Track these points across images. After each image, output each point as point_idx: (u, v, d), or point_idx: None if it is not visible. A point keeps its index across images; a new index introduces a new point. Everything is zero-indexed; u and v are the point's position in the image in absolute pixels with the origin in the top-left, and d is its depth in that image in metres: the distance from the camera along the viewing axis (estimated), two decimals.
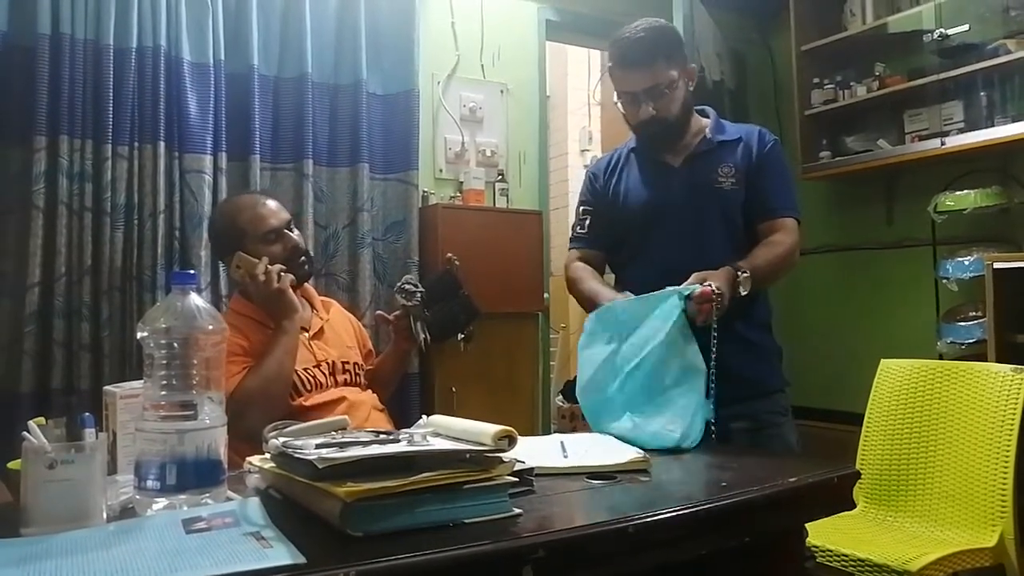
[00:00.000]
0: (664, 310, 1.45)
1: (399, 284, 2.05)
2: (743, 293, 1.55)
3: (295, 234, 1.93)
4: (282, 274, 1.81)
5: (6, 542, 0.81)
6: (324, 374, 1.84)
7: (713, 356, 1.43)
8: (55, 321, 2.11)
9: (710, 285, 1.46)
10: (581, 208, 1.90)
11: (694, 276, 1.49)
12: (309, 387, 1.80)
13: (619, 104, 1.76)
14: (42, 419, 0.92)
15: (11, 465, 1.00)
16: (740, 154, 1.74)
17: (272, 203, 1.93)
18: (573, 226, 1.91)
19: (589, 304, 1.71)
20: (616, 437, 1.36)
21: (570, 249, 1.89)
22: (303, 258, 1.92)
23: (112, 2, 2.20)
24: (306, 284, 2.03)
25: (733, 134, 1.78)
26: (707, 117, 1.82)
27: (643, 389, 1.41)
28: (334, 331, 2.00)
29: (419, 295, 2.00)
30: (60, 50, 2.13)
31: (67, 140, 2.14)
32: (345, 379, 1.89)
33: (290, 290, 1.80)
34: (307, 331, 1.90)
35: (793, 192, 1.78)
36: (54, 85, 2.13)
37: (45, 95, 2.12)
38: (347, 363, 1.91)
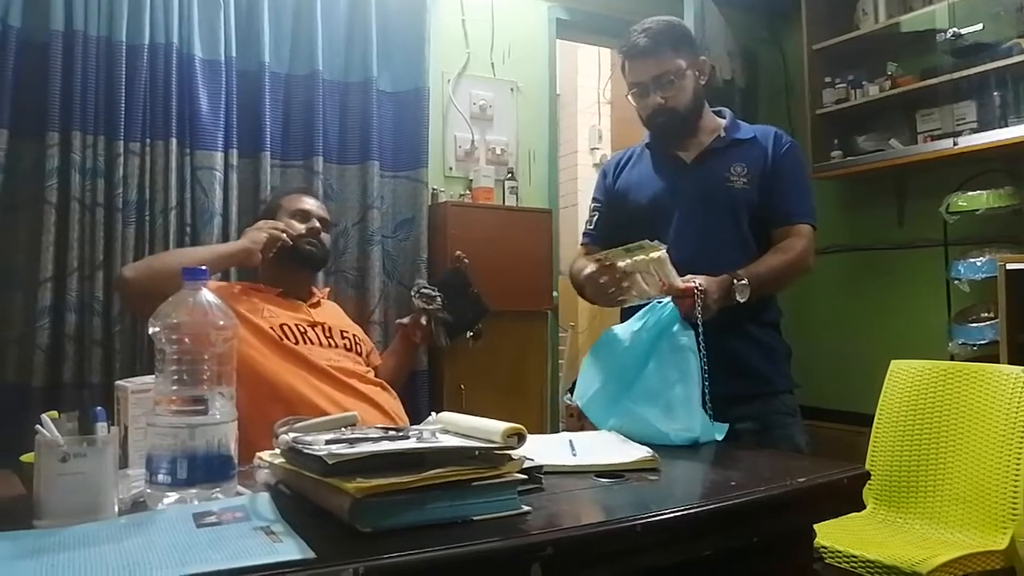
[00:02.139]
0: (656, 315, 1.46)
1: (417, 290, 2.11)
2: (740, 300, 1.55)
3: (324, 231, 2.05)
4: (276, 230, 1.91)
5: (20, 534, 0.81)
6: (318, 335, 1.89)
7: (703, 355, 1.43)
8: (67, 316, 2.12)
9: (692, 282, 1.48)
10: (592, 205, 1.92)
11: (686, 278, 1.50)
12: (294, 339, 1.83)
13: (631, 98, 1.78)
14: (55, 413, 0.93)
15: (24, 458, 1.01)
16: (754, 154, 1.74)
17: (316, 200, 2.14)
18: (585, 223, 1.93)
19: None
20: (626, 435, 1.35)
21: (580, 245, 1.91)
22: (316, 240, 1.98)
23: None
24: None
25: (748, 133, 1.79)
26: (723, 118, 1.82)
27: (651, 389, 1.41)
28: (334, 308, 2.10)
29: (439, 299, 2.10)
30: (73, 47, 2.14)
31: (79, 136, 2.15)
32: (345, 345, 1.93)
33: (263, 233, 1.89)
34: (304, 301, 2.00)
35: (809, 197, 1.77)
36: (67, 81, 2.14)
37: (58, 91, 2.13)
38: (345, 332, 1.96)
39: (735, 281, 1.56)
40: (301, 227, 2.00)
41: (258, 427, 1.13)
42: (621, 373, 1.44)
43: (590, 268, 1.60)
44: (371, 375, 1.93)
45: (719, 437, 1.40)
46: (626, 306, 1.64)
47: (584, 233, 1.91)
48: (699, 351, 1.43)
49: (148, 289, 1.63)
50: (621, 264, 1.54)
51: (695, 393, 1.39)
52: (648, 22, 1.73)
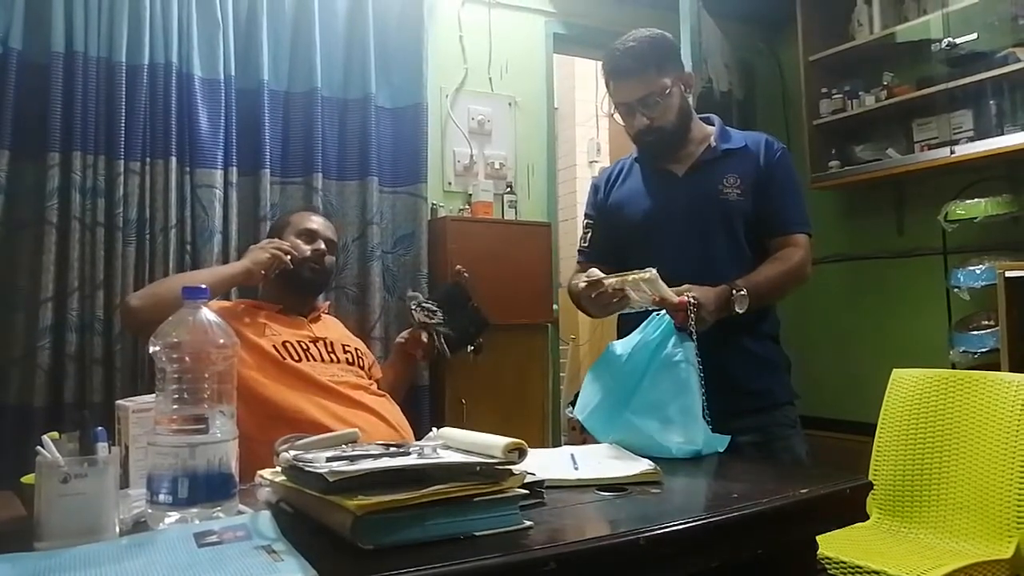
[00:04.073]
0: (654, 328, 1.47)
1: (416, 304, 2.11)
2: (739, 311, 1.55)
3: (328, 253, 2.04)
4: (280, 251, 1.92)
5: (20, 556, 0.81)
6: (320, 350, 1.89)
7: (700, 367, 1.43)
8: (68, 335, 2.12)
9: (685, 295, 1.48)
10: (585, 221, 1.90)
11: (683, 288, 1.50)
12: (297, 356, 1.83)
13: (616, 116, 1.77)
14: (55, 433, 0.93)
15: (25, 479, 1.01)
16: (746, 164, 1.73)
17: (324, 220, 2.14)
18: (579, 240, 1.92)
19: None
20: (627, 448, 1.35)
21: (576, 263, 1.90)
22: (316, 265, 1.98)
23: (125, 20, 2.22)
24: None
25: (739, 142, 1.77)
26: (712, 125, 1.81)
27: (650, 402, 1.40)
28: (334, 322, 2.11)
29: (439, 313, 2.11)
30: (73, 67, 2.16)
31: (80, 156, 2.16)
32: (347, 359, 1.93)
33: (266, 254, 1.91)
34: (305, 317, 1.99)
35: (803, 205, 1.77)
36: (67, 102, 2.15)
37: (59, 112, 2.14)
38: (347, 346, 1.97)
39: (733, 292, 1.55)
40: (306, 249, 2.00)
41: (264, 447, 1.13)
42: (620, 387, 1.44)
43: (582, 285, 1.60)
44: (374, 387, 1.94)
45: (721, 449, 1.40)
46: (623, 312, 1.63)
47: (579, 251, 1.89)
48: (696, 363, 1.43)
49: (154, 317, 1.62)
50: (608, 282, 1.53)
51: (694, 405, 1.39)
52: (631, 39, 1.70)
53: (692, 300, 1.47)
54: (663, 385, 1.40)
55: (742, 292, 1.55)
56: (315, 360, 1.86)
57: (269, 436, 1.10)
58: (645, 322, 1.48)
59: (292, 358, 1.82)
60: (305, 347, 1.87)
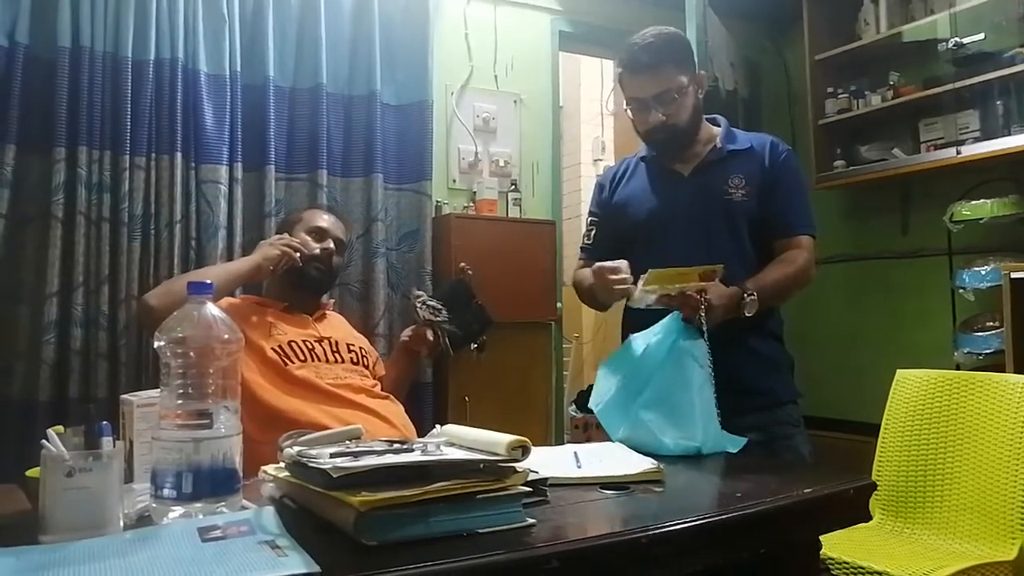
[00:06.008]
0: (665, 326, 1.47)
1: (420, 301, 2.12)
2: (747, 314, 1.55)
3: (335, 253, 2.05)
4: (290, 248, 1.93)
5: (25, 550, 0.81)
6: (325, 350, 1.90)
7: (709, 364, 1.43)
8: (73, 330, 2.12)
9: (698, 294, 1.48)
10: (589, 219, 1.91)
11: (699, 285, 1.50)
12: (302, 356, 1.83)
13: (628, 111, 1.76)
14: (60, 427, 0.93)
15: (30, 473, 1.01)
16: (752, 165, 1.73)
17: (335, 219, 2.14)
18: (583, 236, 1.92)
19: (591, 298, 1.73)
20: (632, 446, 1.35)
21: (578, 260, 1.90)
22: (322, 266, 1.98)
23: (131, 15, 2.22)
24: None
25: (744, 143, 1.77)
26: (718, 126, 1.81)
27: (654, 398, 1.40)
28: (339, 320, 2.11)
29: (443, 310, 2.13)
30: (79, 62, 2.16)
31: (86, 151, 2.16)
32: (351, 358, 1.94)
33: (276, 250, 1.92)
34: (310, 315, 2.00)
35: (808, 206, 1.77)
36: (73, 97, 2.16)
37: (64, 107, 2.15)
38: (352, 345, 1.97)
39: (745, 296, 1.55)
40: (316, 247, 2.00)
41: (265, 448, 1.13)
42: (632, 381, 1.44)
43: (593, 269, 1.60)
44: (378, 388, 1.94)
45: (733, 450, 1.39)
46: (632, 307, 1.63)
47: (582, 248, 1.89)
48: (707, 360, 1.43)
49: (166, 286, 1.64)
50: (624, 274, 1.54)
51: (696, 402, 1.39)
52: (649, 35, 1.69)
53: (704, 300, 1.47)
54: (667, 381, 1.40)
55: (752, 296, 1.55)
56: (320, 360, 1.86)
57: (271, 438, 1.11)
58: (660, 322, 1.48)
59: (297, 359, 1.82)
60: (310, 347, 1.87)
